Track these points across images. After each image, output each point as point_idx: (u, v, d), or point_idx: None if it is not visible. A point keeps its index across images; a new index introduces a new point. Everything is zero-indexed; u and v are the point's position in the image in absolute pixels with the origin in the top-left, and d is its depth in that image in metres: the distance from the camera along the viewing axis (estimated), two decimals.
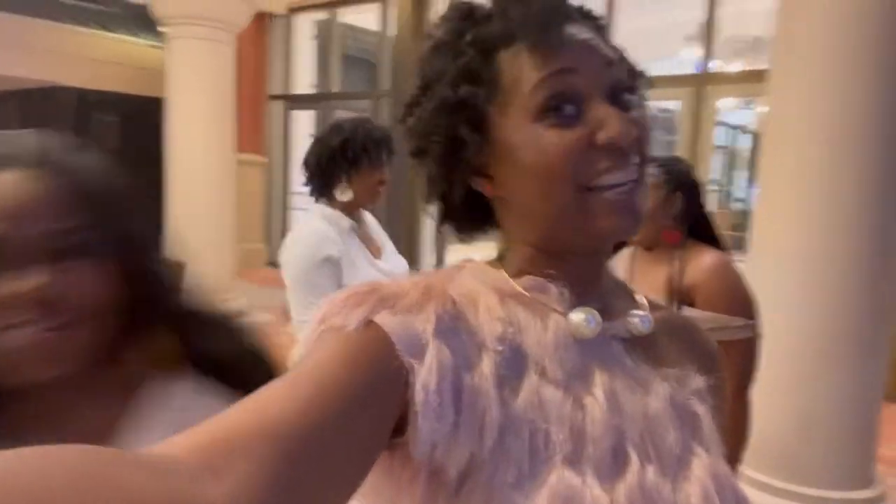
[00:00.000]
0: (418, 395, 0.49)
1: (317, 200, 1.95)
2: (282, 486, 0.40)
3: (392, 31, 7.25)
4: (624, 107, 0.56)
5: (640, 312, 0.62)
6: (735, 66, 6.63)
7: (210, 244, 5.45)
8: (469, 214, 0.65)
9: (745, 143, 10.65)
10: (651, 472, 0.54)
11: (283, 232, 8.64)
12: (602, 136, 0.54)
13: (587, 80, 0.55)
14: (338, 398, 0.46)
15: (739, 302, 1.56)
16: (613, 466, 0.53)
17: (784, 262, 2.55)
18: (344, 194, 1.90)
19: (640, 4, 7.02)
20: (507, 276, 0.61)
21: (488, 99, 0.57)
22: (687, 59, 6.25)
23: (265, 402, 0.45)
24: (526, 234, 0.61)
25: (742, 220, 11.53)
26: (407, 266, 2.11)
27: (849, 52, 2.34)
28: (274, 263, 8.14)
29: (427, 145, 0.60)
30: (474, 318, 0.56)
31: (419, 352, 0.51)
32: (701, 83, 5.32)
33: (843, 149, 2.38)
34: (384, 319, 0.51)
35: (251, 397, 0.46)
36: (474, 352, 0.54)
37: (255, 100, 8.25)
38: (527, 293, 0.59)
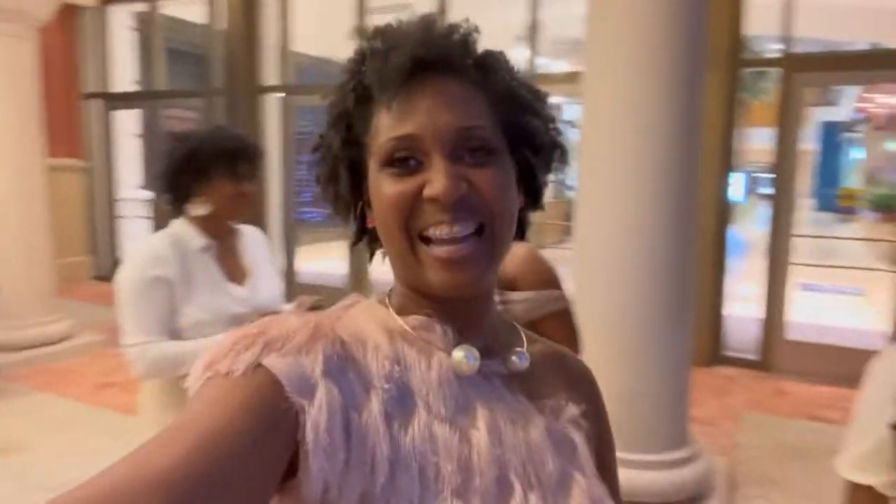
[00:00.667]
0: (309, 434, 0.51)
1: (171, 216, 1.81)
2: None
3: (221, 24, 6.89)
4: (472, 164, 0.58)
5: (519, 349, 0.66)
6: (560, 66, 7.09)
7: (22, 262, 4.88)
8: (372, 245, 0.69)
9: (575, 137, 11.49)
10: (533, 499, 0.58)
11: (112, 242, 7.91)
12: (427, 191, 0.57)
13: (429, 143, 0.58)
14: (226, 444, 0.46)
15: (550, 281, 1.75)
16: (499, 496, 0.57)
17: (600, 247, 2.76)
18: (198, 209, 1.76)
19: (472, 6, 7.27)
20: (394, 314, 0.63)
21: (363, 143, 0.62)
22: (519, 59, 6.55)
23: (150, 453, 0.45)
24: (393, 269, 0.64)
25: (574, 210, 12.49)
26: (279, 293, 1.95)
27: (648, 52, 2.59)
28: (101, 277, 7.51)
29: (320, 175, 0.66)
30: (362, 358, 0.58)
31: (308, 392, 0.52)
32: None
33: (648, 138, 2.63)
34: (272, 363, 0.52)
35: (136, 450, 0.45)
36: (362, 391, 0.55)
37: (67, 99, 7.47)
38: (413, 332, 0.62)
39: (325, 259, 7.37)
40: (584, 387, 0.73)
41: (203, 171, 1.72)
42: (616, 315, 2.71)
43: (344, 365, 0.56)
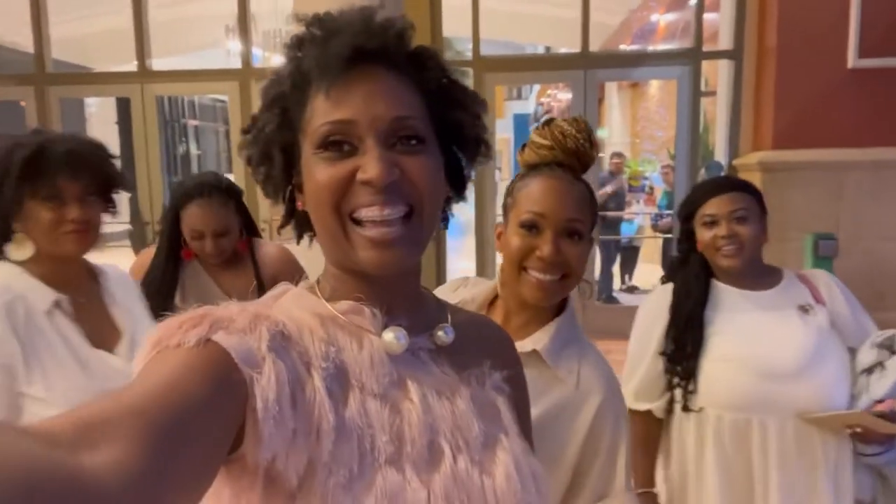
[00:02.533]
0: (259, 404, 0.53)
1: None
2: (149, 457, 0.42)
3: None
4: (404, 151, 0.61)
5: (444, 324, 0.70)
6: (278, 60, 6.99)
7: None
8: (301, 227, 0.70)
9: None
10: (462, 460, 0.63)
11: None
12: (360, 175, 0.60)
13: (364, 128, 0.60)
14: (185, 397, 0.48)
15: (299, 270, 1.95)
16: (430, 460, 0.61)
17: None
18: (20, 250, 1.28)
19: None
20: (323, 301, 0.65)
21: (297, 126, 0.63)
22: (235, 51, 6.34)
23: (125, 393, 0.47)
24: (324, 252, 0.67)
25: None
26: None
27: None
28: None
29: (251, 156, 0.67)
30: (300, 340, 0.60)
31: (257, 365, 0.54)
32: (245, 76, 5.48)
33: None
34: (221, 338, 0.54)
35: (111, 392, 0.47)
36: (304, 368, 0.59)
37: None
38: (342, 317, 0.64)
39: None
40: (505, 353, 0.79)
41: (4, 194, 1.23)
42: None
43: (286, 344, 0.59)
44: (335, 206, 0.61)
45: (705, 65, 5.53)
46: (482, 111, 0.70)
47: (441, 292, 1.15)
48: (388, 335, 0.64)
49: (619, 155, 7.74)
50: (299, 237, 0.72)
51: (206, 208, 1.84)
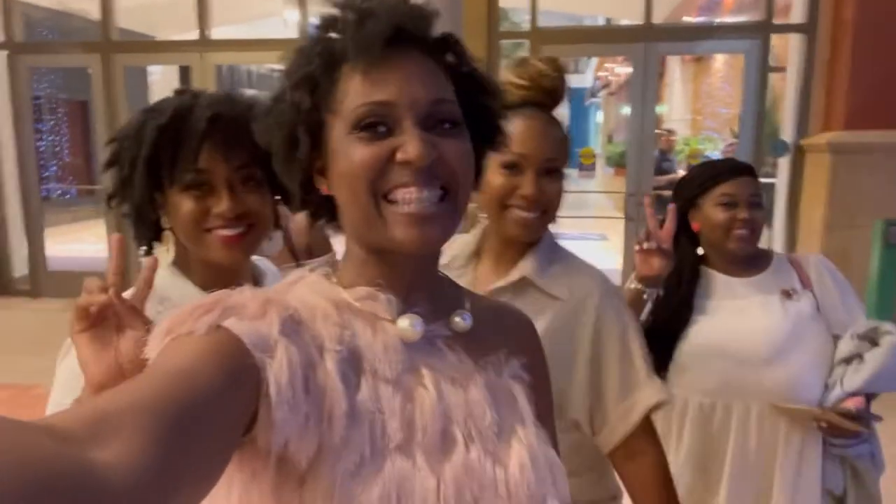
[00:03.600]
0: (272, 388, 0.53)
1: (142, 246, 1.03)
2: (160, 452, 0.42)
3: None
4: (440, 134, 0.61)
5: (462, 310, 0.69)
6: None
7: None
8: (317, 209, 0.69)
9: None
10: (474, 450, 0.62)
11: None
12: (400, 155, 0.59)
13: (403, 110, 0.60)
14: (198, 384, 0.48)
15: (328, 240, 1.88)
16: (442, 448, 0.61)
17: None
18: (166, 251, 1.03)
19: None
20: (339, 288, 0.65)
21: (325, 107, 0.62)
22: (292, 21, 6.38)
23: (135, 386, 0.47)
24: (352, 234, 0.66)
25: None
26: None
27: None
28: None
29: (272, 140, 0.65)
30: (313, 324, 0.60)
31: (269, 350, 0.54)
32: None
33: None
34: (232, 324, 0.54)
35: (122, 385, 0.48)
36: (316, 352, 0.58)
37: None
38: (358, 303, 0.64)
39: (81, 242, 6.61)
40: (524, 339, 0.77)
41: (150, 174, 0.94)
42: None
43: (298, 328, 0.59)
44: (371, 184, 0.60)
45: (775, 39, 5.26)
46: (503, 101, 0.71)
47: None
48: (403, 322, 0.63)
49: (670, 132, 7.35)
50: (314, 222, 0.71)
51: None
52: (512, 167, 1.13)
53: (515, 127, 1.12)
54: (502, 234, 1.17)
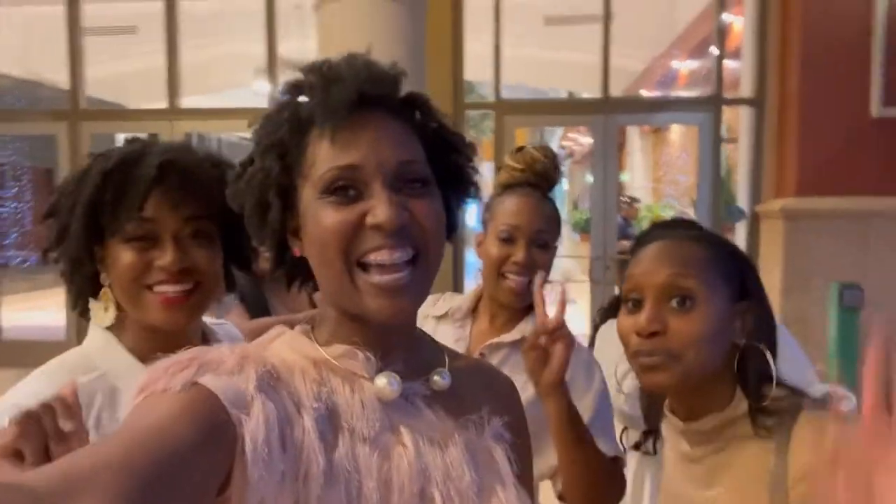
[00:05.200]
0: (248, 446, 0.52)
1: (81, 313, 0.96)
2: None
3: None
4: (410, 194, 0.61)
5: (441, 369, 0.69)
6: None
7: None
8: (293, 272, 0.69)
9: None
10: None
11: None
12: (370, 219, 0.59)
13: (371, 173, 0.60)
14: (171, 442, 0.48)
15: None
16: None
17: None
18: (102, 312, 0.92)
19: (208, 35, 7.03)
20: (317, 345, 0.64)
21: (295, 171, 0.63)
22: (262, 91, 6.50)
23: (109, 444, 0.47)
24: (326, 296, 0.66)
25: None
26: None
27: None
28: None
29: (244, 204, 0.65)
30: (290, 380, 0.60)
31: (245, 406, 0.54)
32: None
33: None
34: (208, 380, 0.54)
35: (92, 444, 0.49)
36: (294, 408, 0.58)
37: None
38: (336, 361, 0.63)
39: (39, 310, 6.43)
40: (505, 398, 0.77)
41: (90, 222, 0.87)
42: None
43: (275, 384, 0.58)
44: (343, 251, 0.60)
45: (727, 111, 5.54)
46: (473, 154, 0.72)
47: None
48: (381, 381, 0.63)
49: (634, 199, 7.60)
50: (289, 284, 0.71)
51: None
52: (507, 239, 1.26)
53: (510, 202, 1.28)
54: (496, 299, 1.31)
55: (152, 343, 0.86)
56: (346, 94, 0.60)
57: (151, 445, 0.47)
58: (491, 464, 0.67)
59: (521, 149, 1.34)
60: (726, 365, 0.83)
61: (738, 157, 5.69)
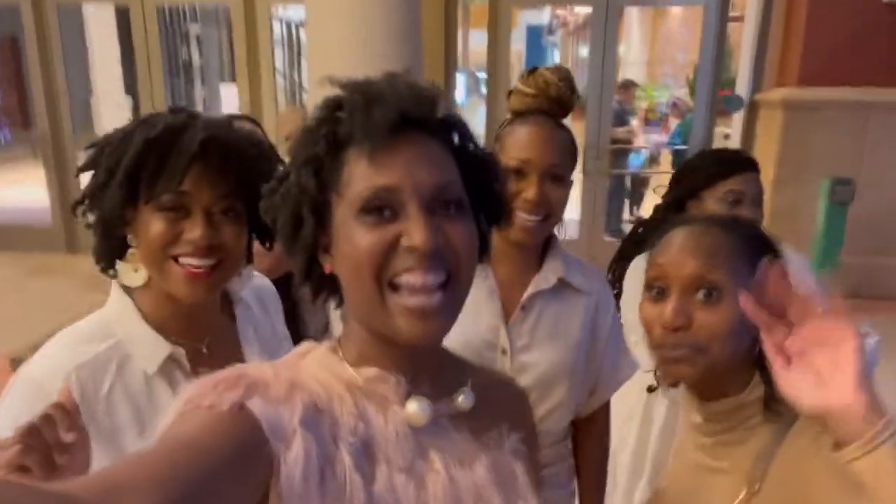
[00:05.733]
0: (284, 482, 0.53)
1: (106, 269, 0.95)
2: None
3: None
4: (444, 217, 0.61)
5: (465, 388, 0.69)
6: None
7: None
8: (320, 285, 0.69)
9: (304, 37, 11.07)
10: None
11: None
12: (405, 241, 0.59)
13: (408, 194, 0.59)
14: (212, 461, 0.49)
15: None
16: None
17: None
18: (130, 273, 0.92)
19: None
20: (347, 365, 0.65)
21: (330, 188, 0.62)
22: None
23: (151, 456, 0.48)
24: (355, 315, 0.65)
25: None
26: None
27: None
28: None
29: (277, 217, 0.65)
30: (331, 411, 0.61)
31: (286, 439, 0.55)
32: None
33: (372, 41, 2.79)
34: (255, 405, 0.55)
35: (133, 454, 0.49)
36: (332, 443, 0.59)
37: None
38: (367, 384, 0.64)
39: (16, 185, 6.32)
40: (520, 413, 0.78)
41: (110, 189, 0.87)
42: None
43: (318, 416, 0.59)
44: (375, 271, 0.59)
45: None
46: (506, 179, 0.73)
47: None
48: (413, 406, 0.63)
49: (629, 85, 7.15)
50: (315, 297, 0.70)
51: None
52: (517, 172, 1.15)
53: (521, 132, 1.16)
54: (507, 239, 1.19)
55: (171, 309, 0.91)
56: (388, 114, 0.59)
57: (193, 462, 0.48)
58: (513, 481, 0.69)
59: (533, 71, 1.21)
60: (748, 351, 0.82)
61: (742, 39, 5.46)
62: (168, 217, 0.85)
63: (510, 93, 1.24)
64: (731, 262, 0.82)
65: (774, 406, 0.81)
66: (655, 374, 1.01)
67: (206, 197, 0.86)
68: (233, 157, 0.87)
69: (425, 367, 0.66)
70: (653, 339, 0.85)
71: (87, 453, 0.70)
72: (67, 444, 0.66)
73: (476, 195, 0.66)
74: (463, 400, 0.68)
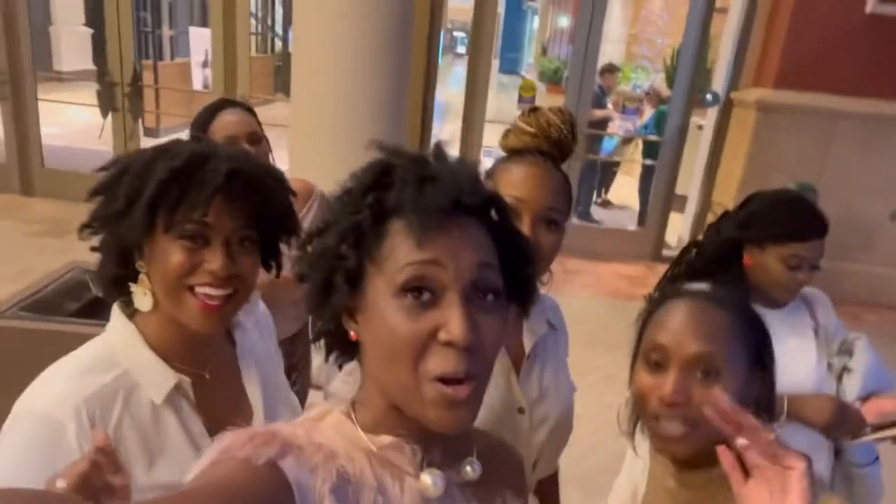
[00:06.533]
0: None
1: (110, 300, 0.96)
2: None
3: None
4: (482, 309, 0.60)
5: (471, 458, 0.69)
6: None
7: None
8: (336, 345, 0.68)
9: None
10: None
11: None
12: (443, 336, 0.57)
13: (450, 275, 0.58)
14: None
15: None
16: None
17: (313, 115, 2.90)
18: (140, 297, 0.91)
19: None
20: (362, 433, 0.65)
21: (367, 255, 0.61)
22: None
23: (184, 499, 0.48)
24: (379, 388, 0.64)
25: (285, 62, 11.90)
26: None
27: None
28: None
29: (308, 276, 0.64)
30: (356, 481, 0.60)
31: None
32: None
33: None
34: (288, 466, 0.55)
35: (172, 499, 0.49)
36: None
37: None
38: (383, 453, 0.63)
39: None
40: (519, 476, 0.78)
41: (133, 216, 0.86)
42: (329, 183, 3.03)
43: (345, 487, 0.59)
44: (412, 362, 0.58)
45: None
46: (539, 264, 0.71)
47: None
48: (427, 479, 0.63)
49: (611, 69, 7.10)
50: (328, 354, 0.69)
51: (238, 115, 1.67)
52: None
53: (518, 171, 1.08)
54: None
55: (177, 335, 0.91)
56: (443, 198, 0.58)
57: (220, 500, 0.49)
58: None
59: (535, 110, 1.15)
60: None
61: (723, 31, 5.50)
62: (187, 246, 0.85)
63: (507, 130, 1.17)
64: (729, 343, 0.86)
65: None
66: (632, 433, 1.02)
67: (227, 227, 0.87)
68: (254, 189, 0.88)
69: (438, 436, 0.65)
70: (648, 408, 0.88)
71: (128, 492, 0.70)
72: (114, 488, 0.66)
73: (509, 279, 0.65)
74: (470, 470, 0.68)
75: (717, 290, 0.93)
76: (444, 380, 0.58)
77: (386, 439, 0.64)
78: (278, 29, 14.01)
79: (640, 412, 0.92)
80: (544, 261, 1.09)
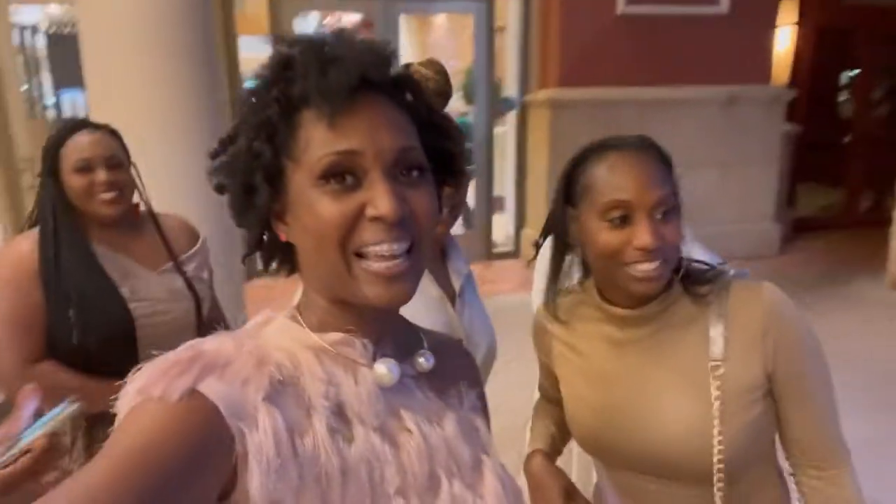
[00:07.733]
0: (254, 458, 0.52)
1: None
2: None
3: None
4: (407, 184, 0.59)
5: (423, 350, 0.69)
6: None
7: None
8: (272, 254, 0.67)
9: (41, 43, 9.56)
10: (457, 486, 0.64)
11: None
12: (370, 212, 0.57)
13: (370, 160, 0.57)
14: (158, 464, 0.47)
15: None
16: (429, 488, 0.63)
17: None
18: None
19: None
20: (310, 332, 0.63)
21: (284, 152, 0.59)
22: None
23: (96, 469, 0.46)
24: (315, 284, 0.64)
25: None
26: None
27: None
28: None
29: (227, 185, 0.62)
30: (297, 381, 0.59)
31: (249, 417, 0.53)
32: None
33: (158, 37, 2.57)
34: (210, 388, 0.52)
35: (74, 478, 0.46)
36: (303, 413, 0.57)
37: None
38: (333, 349, 0.62)
39: None
40: (472, 371, 0.79)
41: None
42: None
43: (284, 389, 0.57)
44: (341, 242, 0.58)
45: (499, 2, 5.77)
46: (463, 140, 0.72)
47: None
48: (381, 368, 0.63)
49: None
50: (266, 266, 0.68)
51: (93, 136, 1.47)
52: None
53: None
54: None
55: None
56: (348, 77, 0.56)
57: (142, 470, 0.46)
58: (475, 436, 0.71)
59: (407, 66, 1.09)
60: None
61: (507, 47, 6.03)
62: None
63: None
64: (672, 183, 0.96)
65: (696, 290, 0.98)
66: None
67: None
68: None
69: (387, 330, 0.66)
70: (623, 259, 0.94)
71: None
72: None
73: (433, 157, 0.64)
74: (423, 362, 0.68)
75: (633, 138, 1.01)
76: (379, 257, 0.58)
77: (335, 335, 0.63)
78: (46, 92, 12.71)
79: (611, 266, 0.94)
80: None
